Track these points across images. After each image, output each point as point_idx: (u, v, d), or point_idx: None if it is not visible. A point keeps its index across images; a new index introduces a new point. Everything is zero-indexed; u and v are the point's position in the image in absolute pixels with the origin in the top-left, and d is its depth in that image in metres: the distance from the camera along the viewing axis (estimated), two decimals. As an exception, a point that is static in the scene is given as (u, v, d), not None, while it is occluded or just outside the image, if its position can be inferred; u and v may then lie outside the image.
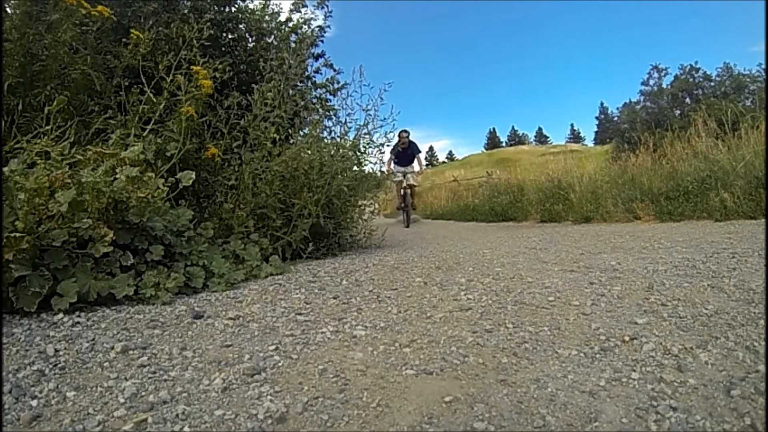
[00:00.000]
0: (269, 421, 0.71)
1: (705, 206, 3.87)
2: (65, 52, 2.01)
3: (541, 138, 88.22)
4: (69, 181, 1.36)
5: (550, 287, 1.52)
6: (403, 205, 7.24)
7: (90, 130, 2.01)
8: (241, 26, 3.37)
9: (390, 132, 3.12)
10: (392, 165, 7.04)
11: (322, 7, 3.70)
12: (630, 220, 4.46)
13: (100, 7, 2.06)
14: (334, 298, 1.49)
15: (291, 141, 2.94)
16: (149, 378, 0.85)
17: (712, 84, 13.68)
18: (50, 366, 0.89)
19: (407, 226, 6.57)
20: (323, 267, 2.16)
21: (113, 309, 1.29)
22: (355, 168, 2.92)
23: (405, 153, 7.09)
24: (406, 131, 7.01)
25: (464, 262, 2.16)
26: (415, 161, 7.22)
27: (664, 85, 14.88)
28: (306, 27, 3.65)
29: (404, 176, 7.11)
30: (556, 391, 0.79)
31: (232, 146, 2.42)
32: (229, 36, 3.29)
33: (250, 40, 3.44)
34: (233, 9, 3.28)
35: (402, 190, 7.18)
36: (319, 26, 3.71)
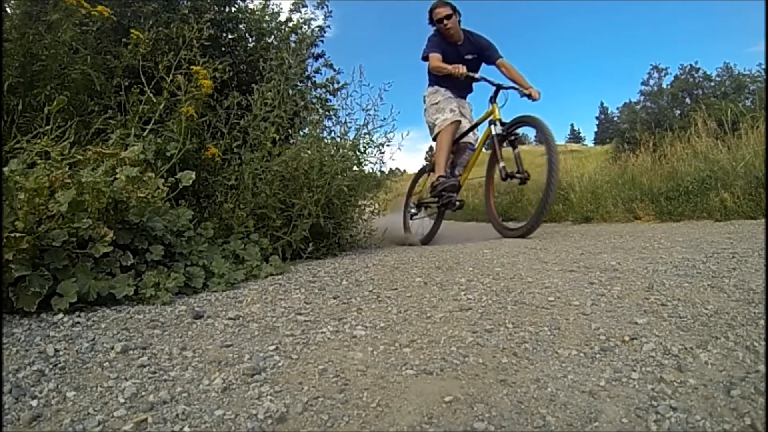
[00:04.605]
0: (269, 421, 0.71)
1: (705, 206, 3.87)
2: (65, 52, 2.01)
3: (542, 138, 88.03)
4: (69, 181, 1.36)
5: (550, 287, 1.52)
6: (448, 200, 3.26)
7: (90, 130, 2.01)
8: (241, 26, 3.37)
9: (390, 132, 3.00)
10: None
11: (322, 7, 3.71)
12: (630, 220, 4.46)
13: (100, 7, 2.06)
14: (334, 298, 1.48)
15: (291, 141, 2.94)
16: (149, 378, 0.85)
17: (712, 84, 13.74)
18: (50, 366, 0.89)
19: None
20: (323, 267, 2.16)
21: (113, 309, 1.29)
22: (355, 168, 2.92)
23: (457, 56, 3.18)
24: (446, 3, 3.13)
25: (464, 262, 2.16)
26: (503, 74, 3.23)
27: (664, 85, 14.98)
28: (306, 27, 3.66)
29: (463, 114, 3.19)
30: (556, 391, 0.79)
31: (232, 146, 2.42)
32: (229, 36, 3.29)
33: (250, 40, 3.45)
34: (233, 9, 3.29)
35: (454, 148, 3.26)
36: (319, 26, 3.72)
